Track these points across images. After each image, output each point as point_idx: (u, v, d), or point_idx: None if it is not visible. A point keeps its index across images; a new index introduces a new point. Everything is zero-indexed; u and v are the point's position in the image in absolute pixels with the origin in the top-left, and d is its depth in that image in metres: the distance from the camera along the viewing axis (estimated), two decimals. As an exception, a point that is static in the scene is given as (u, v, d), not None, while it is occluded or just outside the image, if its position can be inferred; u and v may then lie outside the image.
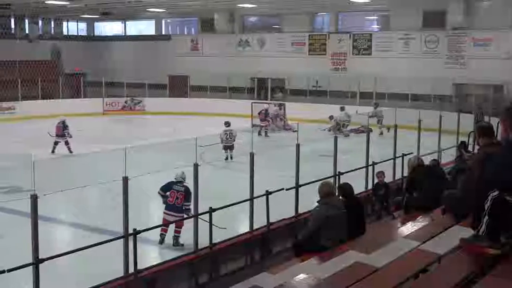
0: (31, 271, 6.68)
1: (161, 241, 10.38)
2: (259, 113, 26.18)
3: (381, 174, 11.31)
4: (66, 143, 20.59)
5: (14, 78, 30.70)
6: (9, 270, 6.31)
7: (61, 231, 12.01)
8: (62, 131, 20.71)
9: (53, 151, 20.44)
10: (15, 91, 30.50)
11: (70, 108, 29.43)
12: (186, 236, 8.89)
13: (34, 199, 6.65)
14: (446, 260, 5.51)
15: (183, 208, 10.20)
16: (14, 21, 35.17)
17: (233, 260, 8.84)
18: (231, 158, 19.01)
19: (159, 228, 10.02)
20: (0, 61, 32.06)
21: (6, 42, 33.56)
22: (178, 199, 10.27)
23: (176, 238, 10.27)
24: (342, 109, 25.52)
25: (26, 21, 35.61)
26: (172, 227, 10.30)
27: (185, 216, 9.95)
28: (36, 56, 34.41)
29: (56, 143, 20.65)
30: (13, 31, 35.33)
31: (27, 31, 35.77)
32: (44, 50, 35.77)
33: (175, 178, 10.49)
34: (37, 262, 6.66)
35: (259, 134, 24.43)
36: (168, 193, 10.45)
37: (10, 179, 14.70)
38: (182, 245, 10.06)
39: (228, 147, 19.17)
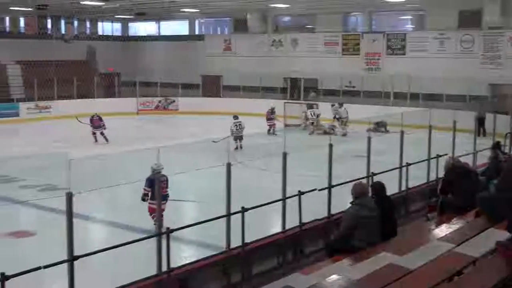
0: (66, 268, 6.74)
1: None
2: (266, 113, 26.64)
3: None
4: (102, 133, 23.41)
5: (50, 77, 31.18)
6: (45, 267, 6.37)
7: (95, 229, 12.16)
8: (99, 122, 23.56)
9: (96, 140, 23.36)
10: (51, 90, 30.97)
11: (104, 107, 29.75)
12: (218, 235, 8.88)
13: (69, 197, 6.71)
14: (481, 263, 5.42)
15: (167, 195, 10.92)
16: (51, 21, 35.68)
17: (265, 260, 8.80)
18: (241, 147, 21.10)
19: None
20: (36, 61, 32.60)
21: (43, 42, 34.16)
22: (164, 188, 10.73)
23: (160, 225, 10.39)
24: (341, 105, 25.93)
25: (62, 21, 36.07)
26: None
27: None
28: (71, 56, 34.95)
29: (94, 133, 23.41)
30: (49, 31, 35.86)
31: (63, 31, 36.28)
32: (79, 50, 36.31)
33: (154, 170, 10.68)
34: (72, 259, 6.70)
35: (268, 133, 25.42)
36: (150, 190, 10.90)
37: (45, 178, 14.96)
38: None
39: (238, 138, 21.26)
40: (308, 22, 34.46)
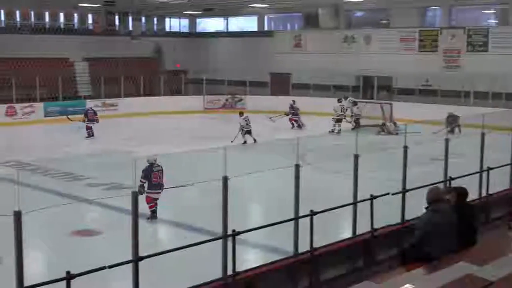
0: (130, 268, 6.66)
1: (156, 217, 11.97)
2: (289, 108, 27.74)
3: None
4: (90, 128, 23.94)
5: (117, 75, 31.70)
6: (110, 267, 6.31)
7: (160, 230, 12.17)
8: (94, 116, 24.02)
9: (89, 135, 23.80)
10: (117, 87, 31.49)
11: (170, 105, 30.12)
12: (285, 239, 8.64)
13: (135, 196, 6.63)
14: None
15: (163, 184, 11.95)
16: (118, 18, 36.30)
17: (334, 266, 8.53)
18: (255, 141, 22.10)
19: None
20: (103, 58, 33.23)
21: (110, 39, 34.78)
22: (160, 178, 11.91)
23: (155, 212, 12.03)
24: (354, 103, 26.09)
25: (130, 18, 36.64)
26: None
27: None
28: (138, 53, 35.42)
29: (89, 127, 23.81)
30: (117, 28, 36.50)
31: (130, 28, 36.82)
32: (146, 47, 36.70)
33: (149, 163, 11.79)
34: (137, 259, 6.62)
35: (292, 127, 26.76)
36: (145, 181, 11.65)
37: (111, 176, 15.12)
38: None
39: (248, 132, 22.42)
40: (383, 17, 33.68)
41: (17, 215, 5.79)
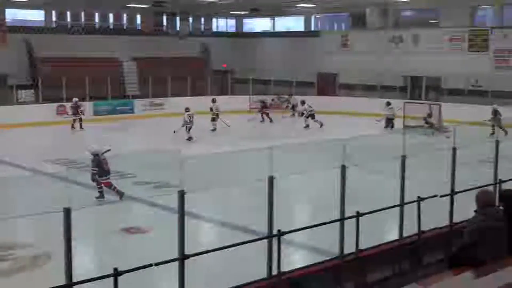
0: (176, 266, 6.70)
1: (103, 196, 13.36)
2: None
3: None
4: (80, 120, 25.31)
5: (164, 74, 32.00)
6: (156, 264, 6.36)
7: (206, 229, 12.19)
8: (78, 109, 25.34)
9: (73, 127, 25.31)
10: (165, 87, 31.79)
11: (220, 105, 30.14)
12: (331, 240, 8.57)
13: (181, 195, 6.67)
14: None
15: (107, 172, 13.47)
16: (166, 18, 36.62)
17: (380, 268, 8.42)
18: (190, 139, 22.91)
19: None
20: (151, 58, 33.57)
21: (158, 39, 35.14)
22: (107, 164, 13.48)
23: (120, 191, 13.41)
24: (388, 104, 26.05)
25: (177, 18, 36.92)
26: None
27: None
28: (185, 53, 35.62)
29: (74, 120, 25.27)
30: (164, 28, 36.83)
31: (177, 28, 37.09)
32: (193, 47, 36.92)
33: (94, 154, 13.55)
34: (183, 257, 6.66)
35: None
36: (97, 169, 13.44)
37: (158, 175, 15.26)
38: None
39: (190, 128, 23.24)
40: (431, 17, 33.11)
41: (67, 212, 5.90)
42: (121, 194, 13.47)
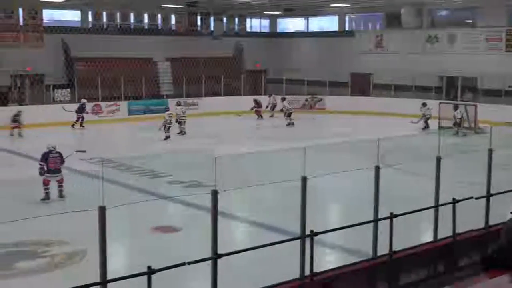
0: (209, 266, 6.73)
1: (48, 197, 13.54)
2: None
3: None
4: (82, 118, 25.89)
5: (198, 74, 32.14)
6: (189, 263, 6.38)
7: (238, 228, 12.20)
8: (81, 110, 25.88)
9: (73, 126, 25.88)
10: (199, 87, 31.94)
11: (250, 105, 30.25)
12: (364, 241, 8.51)
13: (215, 194, 6.69)
14: None
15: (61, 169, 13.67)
16: (200, 18, 36.79)
17: (414, 270, 8.33)
18: (166, 138, 23.03)
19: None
20: (185, 58, 33.68)
21: (192, 39, 35.25)
22: (57, 163, 13.63)
23: (61, 192, 13.65)
24: (424, 104, 25.96)
25: (212, 18, 37.07)
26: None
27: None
28: (219, 53, 35.67)
29: (78, 118, 25.87)
30: (199, 29, 37.01)
31: (212, 28, 37.24)
32: (227, 47, 36.99)
33: (48, 149, 13.78)
34: (216, 257, 6.69)
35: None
36: (44, 163, 13.62)
37: (191, 174, 15.35)
38: (65, 196, 13.58)
39: (182, 122, 24.05)
40: (467, 16, 32.61)
41: (102, 210, 5.97)
42: (45, 197, 13.59)
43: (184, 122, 24.58)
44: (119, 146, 21.66)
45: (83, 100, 26.70)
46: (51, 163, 13.66)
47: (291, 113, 27.82)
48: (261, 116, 30.16)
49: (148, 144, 22.24)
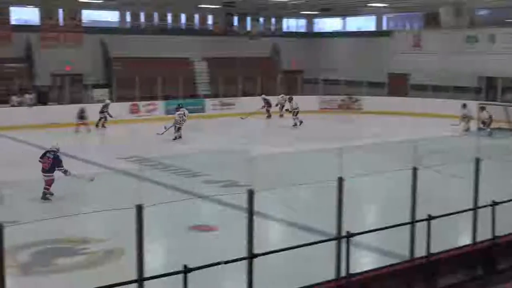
0: (244, 265, 6.74)
1: (46, 198, 13.53)
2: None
3: None
4: (105, 118, 26.05)
5: (235, 74, 32.23)
6: (225, 262, 6.40)
7: (273, 228, 12.19)
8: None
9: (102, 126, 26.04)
10: (235, 87, 32.03)
11: (286, 105, 30.16)
12: (400, 243, 8.42)
13: (251, 194, 6.70)
14: None
15: (55, 170, 13.60)
16: (237, 19, 36.88)
17: (451, 273, 8.21)
18: (175, 138, 22.87)
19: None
20: (222, 58, 33.85)
21: (229, 39, 35.43)
22: (47, 164, 13.68)
23: (44, 193, 13.50)
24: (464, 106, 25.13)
25: (248, 18, 37.11)
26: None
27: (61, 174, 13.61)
28: (255, 53, 35.73)
29: (100, 118, 26.01)
30: (235, 29, 37.10)
31: (248, 29, 37.29)
32: (263, 47, 37.03)
33: (50, 148, 14.07)
34: (251, 256, 6.69)
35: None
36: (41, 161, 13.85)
37: (228, 174, 15.39)
38: (48, 198, 13.48)
39: (180, 128, 23.12)
40: (508, 15, 31.97)
41: (139, 209, 6.02)
42: (44, 197, 13.60)
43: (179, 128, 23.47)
44: (156, 145, 21.84)
45: (108, 101, 26.95)
46: (44, 162, 13.83)
47: (297, 112, 27.59)
48: (270, 116, 30.09)
49: (184, 144, 22.39)
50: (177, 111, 23.61)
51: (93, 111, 25.83)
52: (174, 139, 22.91)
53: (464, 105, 25.53)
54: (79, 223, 11.45)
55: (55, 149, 14.00)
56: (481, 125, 24.21)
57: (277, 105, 30.32)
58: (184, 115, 23.38)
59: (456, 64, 30.98)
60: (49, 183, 13.53)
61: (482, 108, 24.57)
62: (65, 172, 13.65)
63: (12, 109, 26.99)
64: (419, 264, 7.94)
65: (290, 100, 28.37)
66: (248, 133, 23.97)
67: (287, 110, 28.71)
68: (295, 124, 27.19)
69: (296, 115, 27.50)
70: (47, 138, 22.25)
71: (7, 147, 21.19)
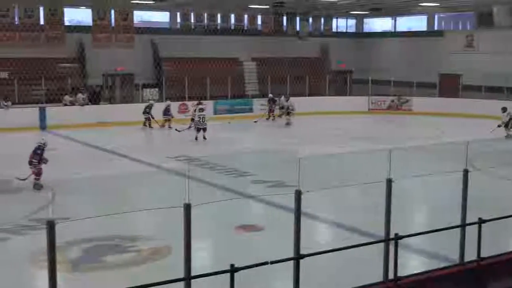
0: (290, 266, 6.72)
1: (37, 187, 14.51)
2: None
3: None
4: (149, 119, 25.87)
5: (284, 74, 32.19)
6: (272, 262, 6.39)
7: (320, 229, 12.13)
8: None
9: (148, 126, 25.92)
10: (284, 87, 32.00)
11: (335, 105, 30.06)
12: (450, 247, 8.26)
13: (298, 194, 6.67)
14: None
15: (32, 162, 14.53)
16: (286, 19, 36.85)
17: (503, 278, 7.99)
18: (205, 138, 22.52)
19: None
20: (271, 58, 33.85)
21: (278, 39, 35.41)
22: (31, 157, 14.59)
23: (35, 184, 14.52)
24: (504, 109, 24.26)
25: (297, 18, 37.04)
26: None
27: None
28: (304, 53, 35.67)
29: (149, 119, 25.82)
30: (284, 29, 37.07)
31: (297, 29, 37.22)
32: (312, 47, 36.91)
33: (38, 143, 14.87)
34: (298, 257, 6.67)
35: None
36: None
37: (275, 174, 15.40)
38: (39, 188, 14.37)
39: (202, 129, 22.60)
40: None
41: (187, 208, 6.07)
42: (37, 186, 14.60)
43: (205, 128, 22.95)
44: (204, 145, 22.01)
45: (152, 101, 27.17)
46: (30, 156, 14.76)
47: (289, 112, 27.61)
48: (270, 117, 29.75)
49: (231, 143, 22.49)
50: (200, 111, 23.13)
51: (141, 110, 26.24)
52: (196, 138, 22.81)
53: (504, 109, 24.67)
54: (128, 221, 11.61)
55: (41, 144, 14.88)
56: (503, 125, 23.70)
57: (281, 107, 29.92)
58: (202, 119, 22.78)
59: (510, 65, 30.23)
60: (33, 174, 14.63)
61: (504, 110, 23.94)
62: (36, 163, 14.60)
63: (65, 108, 27.59)
64: (470, 268, 7.77)
65: (287, 100, 28.34)
66: (298, 134, 23.91)
67: (281, 108, 28.83)
68: (288, 123, 27.35)
69: (288, 115, 27.65)
70: (98, 136, 22.82)
71: (59, 146, 21.65)
